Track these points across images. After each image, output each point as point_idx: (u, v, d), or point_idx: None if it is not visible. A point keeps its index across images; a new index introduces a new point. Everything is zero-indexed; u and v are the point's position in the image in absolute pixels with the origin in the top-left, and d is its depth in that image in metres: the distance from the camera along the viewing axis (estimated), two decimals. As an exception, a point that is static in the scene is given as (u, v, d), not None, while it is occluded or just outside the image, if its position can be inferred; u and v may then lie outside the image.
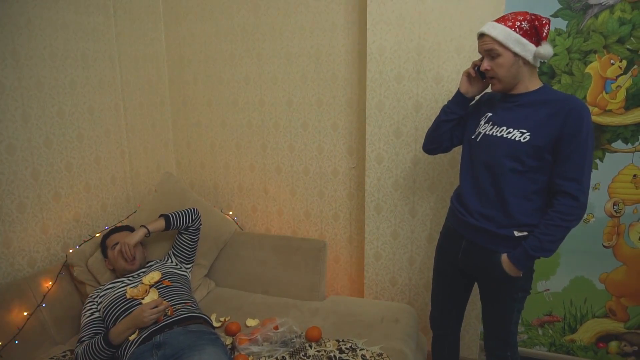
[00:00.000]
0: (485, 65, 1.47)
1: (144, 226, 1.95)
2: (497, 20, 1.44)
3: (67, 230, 2.03)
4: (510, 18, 1.42)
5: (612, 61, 1.90)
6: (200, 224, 2.10)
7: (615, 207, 2.02)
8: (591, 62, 1.93)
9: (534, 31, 1.40)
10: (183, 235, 2.06)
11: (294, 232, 2.51)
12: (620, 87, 1.92)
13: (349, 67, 2.22)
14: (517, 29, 1.40)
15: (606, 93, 1.94)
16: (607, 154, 2.00)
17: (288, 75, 2.34)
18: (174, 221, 2.02)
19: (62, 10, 1.95)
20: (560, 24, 1.94)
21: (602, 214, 2.04)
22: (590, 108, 1.97)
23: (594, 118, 1.97)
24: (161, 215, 2.03)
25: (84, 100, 2.08)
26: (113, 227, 2.07)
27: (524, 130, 1.42)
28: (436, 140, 1.71)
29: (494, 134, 1.49)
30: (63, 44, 1.96)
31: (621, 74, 1.90)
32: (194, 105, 2.60)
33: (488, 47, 1.44)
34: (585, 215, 2.06)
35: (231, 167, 2.59)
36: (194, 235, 2.07)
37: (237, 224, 2.42)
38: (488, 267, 1.53)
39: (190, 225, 2.05)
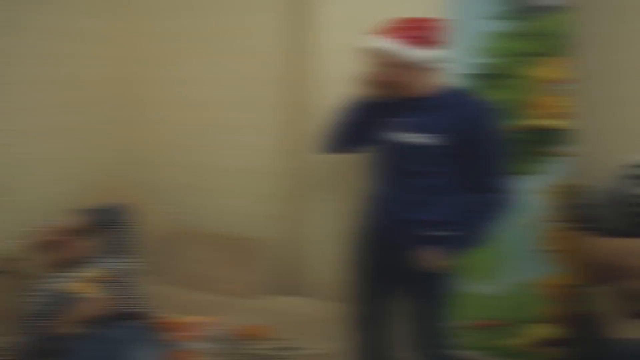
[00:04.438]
0: (378, 75, 1.48)
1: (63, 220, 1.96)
2: (383, 31, 1.44)
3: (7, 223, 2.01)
4: (397, 27, 1.42)
5: (557, 64, 1.89)
6: (128, 218, 2.08)
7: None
8: (535, 65, 1.92)
9: (423, 36, 1.40)
10: (111, 229, 2.04)
11: (233, 231, 2.49)
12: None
13: (288, 67, 2.22)
14: (404, 37, 1.40)
15: (549, 96, 1.94)
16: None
17: (228, 75, 2.36)
18: (98, 216, 2.00)
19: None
20: (503, 25, 1.91)
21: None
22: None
23: (538, 122, 1.97)
24: (84, 211, 2.02)
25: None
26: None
27: (431, 134, 1.45)
28: (340, 143, 1.75)
29: (403, 139, 1.51)
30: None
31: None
32: (135, 105, 2.60)
33: (378, 59, 1.45)
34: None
35: (173, 166, 2.59)
36: (121, 229, 2.05)
37: (177, 221, 2.44)
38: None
39: (116, 218, 2.05)
